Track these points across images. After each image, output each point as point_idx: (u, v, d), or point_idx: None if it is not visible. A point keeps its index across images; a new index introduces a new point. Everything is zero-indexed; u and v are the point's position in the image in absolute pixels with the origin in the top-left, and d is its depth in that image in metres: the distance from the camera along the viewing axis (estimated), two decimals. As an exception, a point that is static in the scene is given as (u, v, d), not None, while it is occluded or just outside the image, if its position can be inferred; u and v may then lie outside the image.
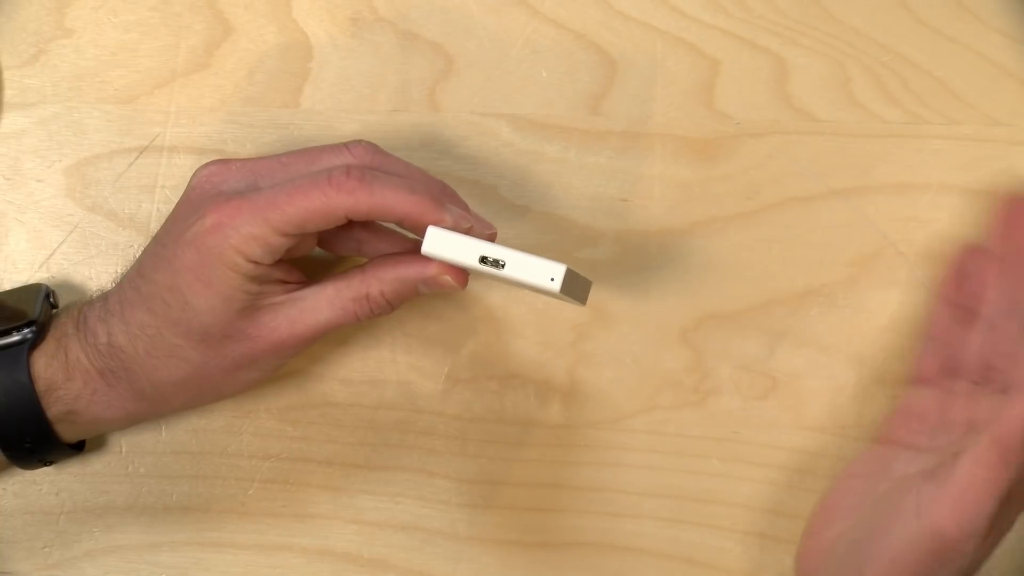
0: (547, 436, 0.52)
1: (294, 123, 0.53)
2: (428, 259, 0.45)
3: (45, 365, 0.46)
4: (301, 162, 0.46)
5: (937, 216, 0.53)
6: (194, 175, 0.46)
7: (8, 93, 0.53)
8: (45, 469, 0.50)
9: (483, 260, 0.44)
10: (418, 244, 0.44)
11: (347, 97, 0.53)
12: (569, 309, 0.52)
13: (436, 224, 0.44)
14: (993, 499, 0.41)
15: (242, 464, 0.52)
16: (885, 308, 0.52)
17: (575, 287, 0.45)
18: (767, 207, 0.53)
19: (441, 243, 0.44)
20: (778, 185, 0.53)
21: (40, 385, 0.46)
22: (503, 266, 0.43)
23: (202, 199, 0.45)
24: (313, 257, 0.50)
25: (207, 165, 0.46)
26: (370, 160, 0.46)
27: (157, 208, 0.53)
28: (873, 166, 0.53)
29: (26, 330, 0.46)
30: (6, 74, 0.53)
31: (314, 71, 0.54)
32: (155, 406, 0.48)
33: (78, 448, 0.50)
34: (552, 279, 0.43)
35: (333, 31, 0.54)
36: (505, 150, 0.53)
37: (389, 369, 0.52)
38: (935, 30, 0.53)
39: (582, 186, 0.53)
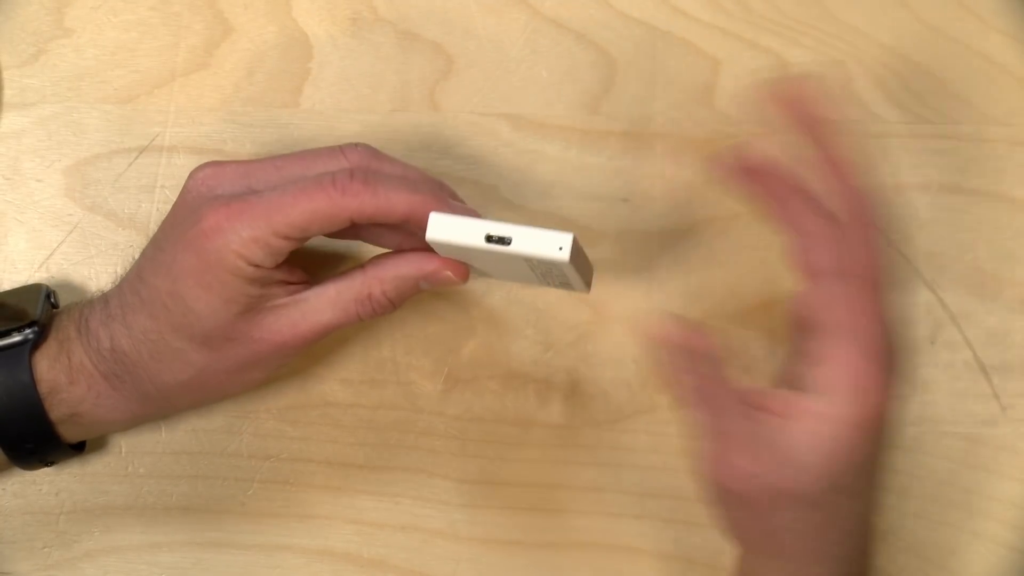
0: (547, 436, 0.52)
1: (294, 123, 0.53)
2: (428, 256, 0.45)
3: (48, 367, 0.46)
4: (297, 165, 0.46)
5: (938, 216, 0.53)
6: (189, 178, 0.46)
7: (8, 93, 0.53)
8: (45, 469, 0.50)
9: (489, 239, 0.43)
10: (418, 241, 0.44)
11: (347, 97, 0.53)
12: (569, 309, 0.52)
13: None
14: None
15: (242, 464, 0.52)
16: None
17: (581, 263, 0.45)
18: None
19: (445, 228, 0.43)
20: (778, 185, 0.53)
21: (43, 387, 0.45)
22: (509, 242, 0.43)
23: (198, 202, 0.45)
24: (314, 255, 0.50)
25: (201, 168, 0.46)
26: (367, 163, 0.46)
27: (157, 208, 0.53)
28: (873, 166, 0.53)
29: (27, 330, 0.46)
30: (6, 74, 0.53)
31: (314, 71, 0.54)
32: (160, 408, 0.48)
33: (79, 448, 0.50)
34: (560, 248, 0.42)
35: (333, 31, 0.54)
36: (505, 150, 0.53)
37: (389, 369, 0.52)
38: (935, 30, 0.53)
39: (582, 186, 0.53)
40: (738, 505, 0.44)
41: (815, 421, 0.42)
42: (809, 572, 0.44)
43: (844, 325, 0.42)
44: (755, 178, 0.44)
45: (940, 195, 0.53)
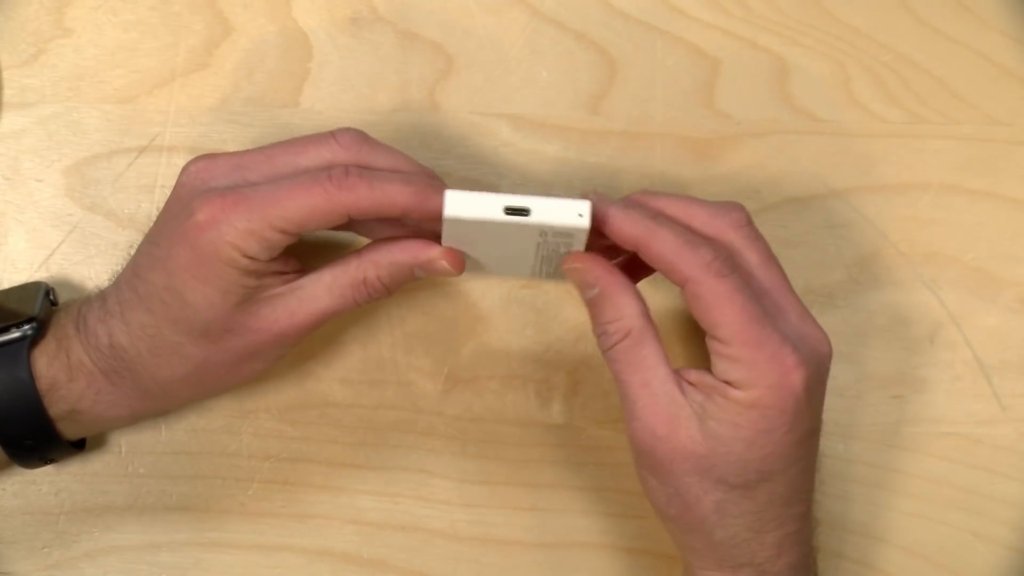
0: (547, 436, 0.52)
1: (294, 122, 0.53)
2: (424, 244, 0.45)
3: (47, 364, 0.46)
4: (288, 154, 0.46)
5: (937, 216, 0.53)
6: (182, 172, 0.46)
7: (7, 93, 0.53)
8: (44, 469, 0.50)
9: (508, 210, 0.43)
10: (413, 230, 0.44)
11: (347, 97, 0.53)
12: (569, 309, 0.52)
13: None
14: None
15: (242, 464, 0.52)
16: (885, 308, 0.52)
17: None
18: (767, 207, 0.53)
19: (463, 203, 0.43)
20: (778, 185, 0.53)
21: (42, 384, 0.45)
22: (528, 213, 0.43)
23: (191, 196, 0.45)
24: (309, 244, 0.50)
25: (194, 161, 0.46)
26: (358, 149, 0.46)
27: (157, 208, 0.52)
28: (873, 166, 0.53)
29: (26, 327, 0.46)
30: (5, 74, 0.53)
31: (314, 71, 0.54)
32: (160, 403, 0.48)
33: (79, 446, 0.49)
34: (580, 215, 0.43)
35: (333, 31, 0.54)
36: (505, 150, 0.53)
37: (389, 369, 0.52)
38: (935, 30, 0.53)
39: (582, 186, 0.53)
40: (652, 469, 0.45)
41: (735, 408, 0.43)
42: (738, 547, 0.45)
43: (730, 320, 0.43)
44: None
45: (940, 195, 0.53)
